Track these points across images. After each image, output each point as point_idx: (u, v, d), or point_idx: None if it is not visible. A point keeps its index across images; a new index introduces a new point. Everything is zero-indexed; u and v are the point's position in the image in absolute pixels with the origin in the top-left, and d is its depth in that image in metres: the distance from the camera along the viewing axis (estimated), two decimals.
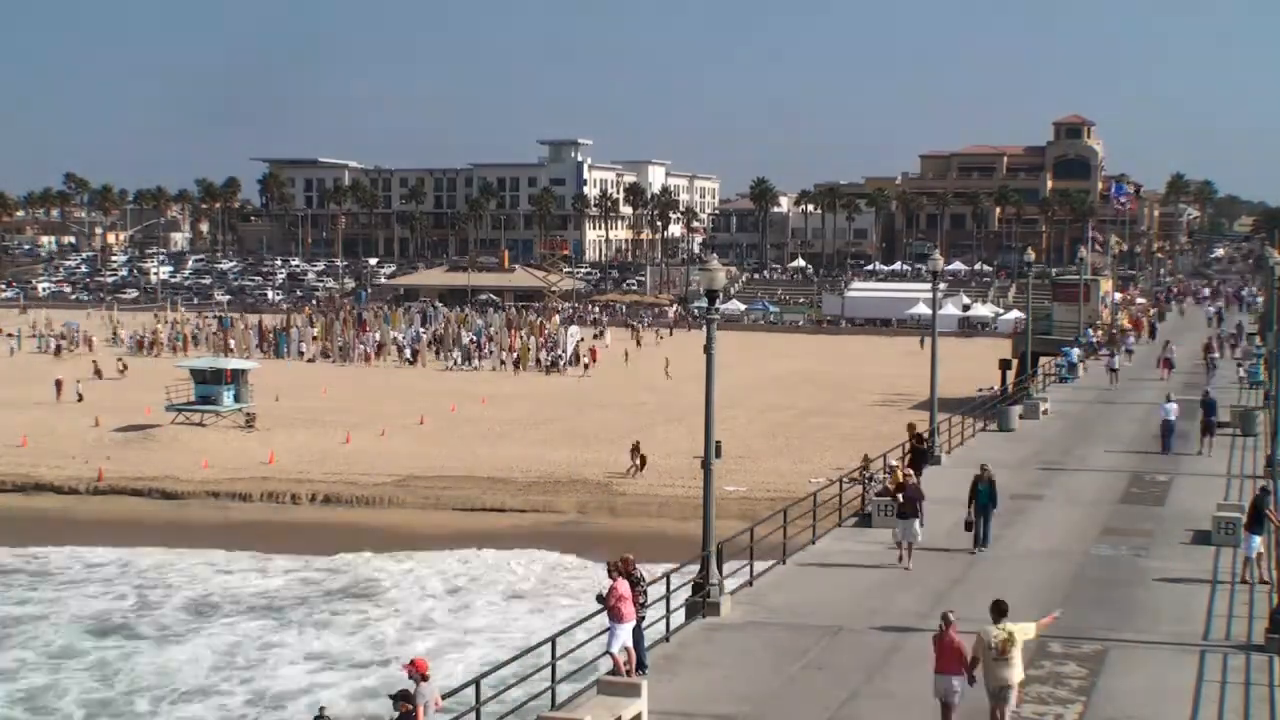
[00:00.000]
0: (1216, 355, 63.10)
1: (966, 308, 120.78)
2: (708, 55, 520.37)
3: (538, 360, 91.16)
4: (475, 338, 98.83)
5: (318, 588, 41.63)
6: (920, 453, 31.76)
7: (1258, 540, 24.03)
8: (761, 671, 19.75)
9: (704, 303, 23.48)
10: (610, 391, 77.60)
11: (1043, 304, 77.58)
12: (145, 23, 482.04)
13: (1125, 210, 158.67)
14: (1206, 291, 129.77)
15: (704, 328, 21.99)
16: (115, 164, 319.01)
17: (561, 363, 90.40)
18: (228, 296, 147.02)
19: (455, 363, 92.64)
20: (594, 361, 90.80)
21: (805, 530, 27.68)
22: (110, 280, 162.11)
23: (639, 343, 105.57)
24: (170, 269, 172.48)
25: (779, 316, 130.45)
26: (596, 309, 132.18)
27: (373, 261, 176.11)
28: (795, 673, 19.74)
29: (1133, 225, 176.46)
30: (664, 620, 21.40)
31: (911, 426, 33.21)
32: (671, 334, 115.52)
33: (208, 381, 65.92)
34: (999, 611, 16.38)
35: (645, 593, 18.96)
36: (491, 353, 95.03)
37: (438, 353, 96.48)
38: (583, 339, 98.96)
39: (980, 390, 65.15)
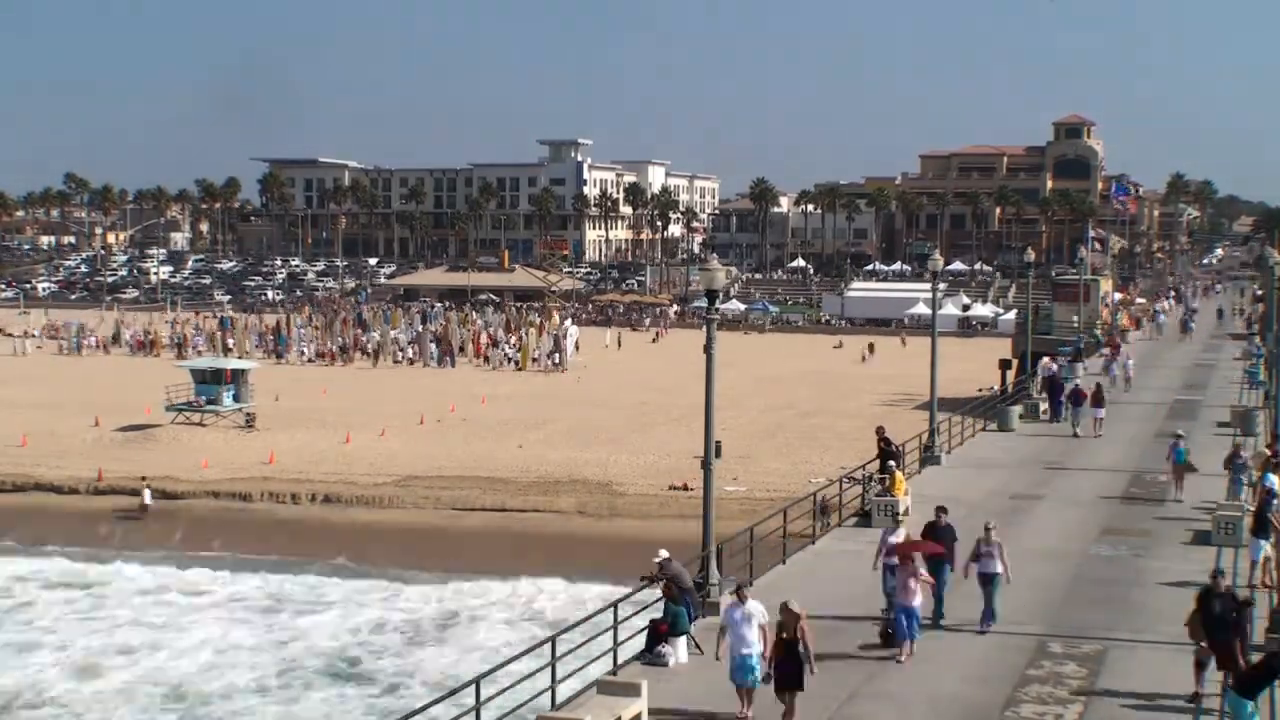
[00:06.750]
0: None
1: (966, 308, 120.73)
2: (708, 55, 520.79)
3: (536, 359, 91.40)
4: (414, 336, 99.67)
5: None
6: (888, 454, 31.65)
7: (1265, 545, 24.01)
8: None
9: (704, 302, 23.47)
10: (610, 391, 77.55)
11: (1043, 304, 77.57)
12: (145, 23, 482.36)
13: (1125, 210, 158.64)
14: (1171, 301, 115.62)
15: (704, 328, 21.99)
16: (115, 164, 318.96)
17: (563, 362, 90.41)
18: (228, 296, 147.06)
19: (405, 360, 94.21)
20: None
21: (805, 530, 27.68)
22: (110, 280, 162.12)
23: (657, 338, 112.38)
24: (170, 269, 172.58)
25: (778, 316, 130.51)
26: (593, 309, 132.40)
27: (373, 261, 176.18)
28: None
29: (1133, 225, 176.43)
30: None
31: (879, 429, 33.16)
32: (656, 338, 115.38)
33: (208, 381, 65.98)
34: None
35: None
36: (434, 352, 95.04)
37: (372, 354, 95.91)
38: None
39: (980, 390, 65.12)
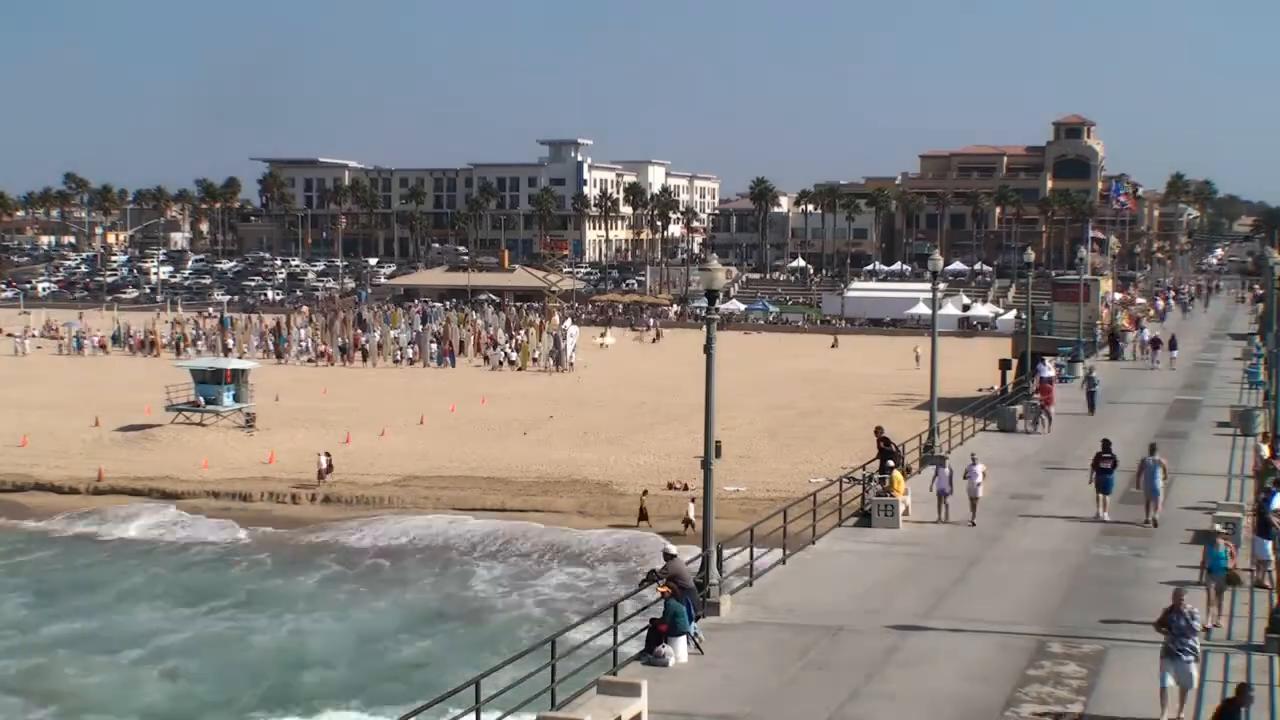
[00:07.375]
0: None
1: (966, 308, 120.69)
2: (707, 54, 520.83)
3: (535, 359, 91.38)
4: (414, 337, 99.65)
5: None
6: (887, 454, 31.61)
7: (1269, 545, 23.91)
8: (761, 671, 19.75)
9: (704, 302, 23.49)
10: (610, 391, 77.57)
11: (1043, 304, 77.54)
12: (145, 23, 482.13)
13: (1124, 210, 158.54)
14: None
15: (704, 328, 22.00)
16: (115, 164, 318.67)
17: (563, 362, 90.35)
18: (228, 296, 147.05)
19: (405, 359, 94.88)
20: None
21: (805, 530, 27.68)
22: (110, 280, 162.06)
23: (657, 337, 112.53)
24: (170, 269, 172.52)
25: (778, 316, 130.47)
26: (593, 309, 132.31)
27: (373, 261, 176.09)
28: (795, 673, 19.74)
29: (1133, 225, 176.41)
30: None
31: (879, 429, 33.13)
32: (656, 338, 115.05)
33: (208, 381, 65.98)
34: None
35: None
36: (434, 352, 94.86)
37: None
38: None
39: (980, 390, 65.13)
